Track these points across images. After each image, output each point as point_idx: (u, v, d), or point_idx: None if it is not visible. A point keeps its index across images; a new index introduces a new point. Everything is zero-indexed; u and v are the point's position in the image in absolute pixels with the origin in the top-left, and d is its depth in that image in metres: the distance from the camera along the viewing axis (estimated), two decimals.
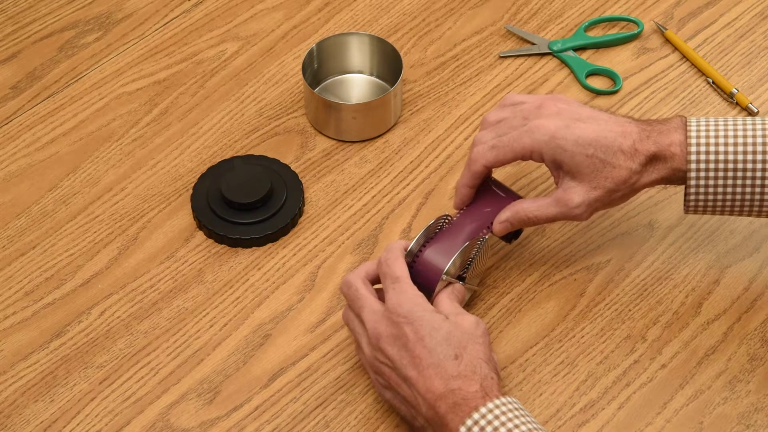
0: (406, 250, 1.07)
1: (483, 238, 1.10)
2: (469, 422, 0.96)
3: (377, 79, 1.32)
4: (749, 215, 1.08)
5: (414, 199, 1.23)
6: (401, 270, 1.04)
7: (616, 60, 1.35)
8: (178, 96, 1.32)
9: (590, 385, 1.09)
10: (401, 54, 1.30)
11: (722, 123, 1.06)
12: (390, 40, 1.34)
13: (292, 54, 1.35)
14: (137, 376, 1.11)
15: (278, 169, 1.23)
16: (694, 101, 1.30)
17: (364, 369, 1.10)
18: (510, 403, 0.97)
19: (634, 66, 1.34)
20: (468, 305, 1.14)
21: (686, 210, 1.08)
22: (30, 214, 1.22)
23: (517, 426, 0.95)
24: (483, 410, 0.96)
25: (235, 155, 1.26)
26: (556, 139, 1.07)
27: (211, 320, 1.14)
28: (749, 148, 1.04)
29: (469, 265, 1.09)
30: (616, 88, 1.31)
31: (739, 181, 1.05)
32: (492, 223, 1.11)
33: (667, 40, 1.36)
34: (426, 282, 1.07)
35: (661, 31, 1.37)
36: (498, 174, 1.24)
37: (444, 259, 1.07)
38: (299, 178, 1.23)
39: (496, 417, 0.96)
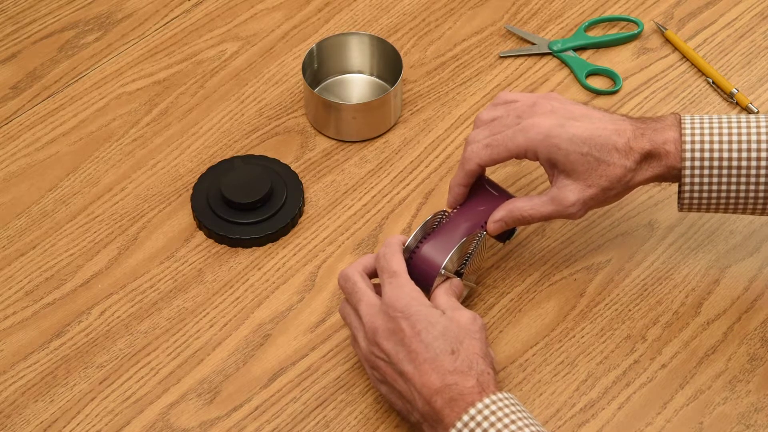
0: (404, 244, 1.07)
1: (481, 233, 1.10)
2: (465, 418, 0.96)
3: (377, 79, 1.32)
4: (743, 213, 1.08)
5: (414, 199, 1.23)
6: (398, 264, 1.04)
7: (616, 60, 1.35)
8: (178, 96, 1.32)
9: (590, 385, 1.09)
10: (401, 54, 1.30)
11: (716, 121, 1.06)
12: (390, 40, 1.34)
13: (292, 54, 1.35)
14: (137, 376, 1.11)
15: (278, 169, 1.23)
16: (694, 101, 1.30)
17: (364, 369, 1.10)
18: (506, 398, 0.97)
19: (634, 66, 1.34)
20: (467, 305, 1.14)
21: (680, 208, 1.08)
22: (30, 214, 1.22)
23: (513, 421, 0.95)
24: (479, 406, 0.96)
25: (235, 155, 1.26)
26: (550, 137, 1.07)
27: (211, 320, 1.14)
28: (743, 146, 1.04)
29: (466, 260, 1.09)
30: (616, 88, 1.31)
31: (733, 179, 1.05)
32: (486, 223, 1.11)
33: (667, 40, 1.36)
34: (423, 277, 1.07)
35: (661, 31, 1.37)
36: (497, 174, 1.24)
37: (441, 254, 1.07)
38: (299, 178, 1.23)
39: (493, 413, 0.96)
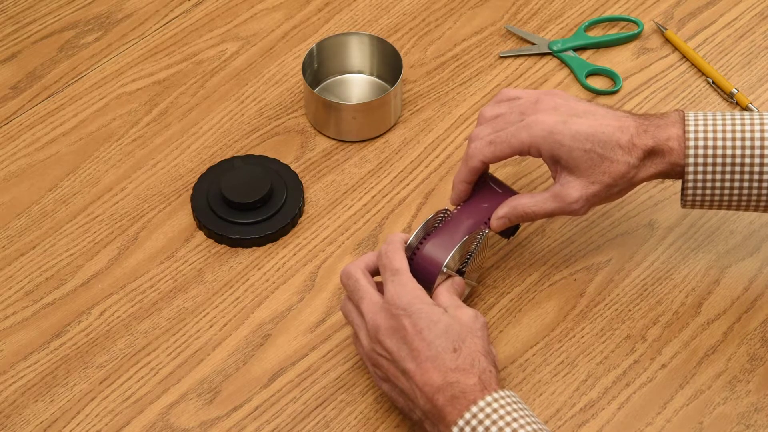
0: (406, 242, 1.07)
1: (483, 231, 1.10)
2: (467, 415, 0.96)
3: (377, 79, 1.32)
4: (746, 209, 1.08)
5: (414, 199, 1.23)
6: (401, 262, 1.04)
7: (616, 60, 1.35)
8: (178, 96, 1.32)
9: (590, 385, 1.09)
10: (401, 54, 1.30)
11: (720, 117, 1.06)
12: (390, 40, 1.34)
13: (292, 54, 1.35)
14: (137, 376, 1.11)
15: (278, 169, 1.23)
16: (694, 101, 1.30)
17: (364, 369, 1.10)
18: (508, 396, 0.97)
19: (634, 66, 1.34)
20: (468, 304, 1.13)
21: (683, 204, 1.08)
22: (30, 214, 1.22)
23: (515, 419, 0.95)
24: (481, 404, 0.96)
25: (235, 155, 1.26)
26: (553, 134, 1.06)
27: (211, 320, 1.14)
28: (747, 143, 1.04)
29: (468, 259, 1.09)
30: (616, 88, 1.31)
31: (737, 176, 1.05)
32: (489, 219, 1.11)
33: (667, 40, 1.36)
34: (425, 275, 1.07)
35: (661, 31, 1.37)
36: (498, 173, 1.24)
37: (444, 252, 1.07)
38: (299, 178, 1.23)
39: (495, 410, 0.96)
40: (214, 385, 1.10)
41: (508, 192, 1.13)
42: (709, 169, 1.05)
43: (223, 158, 1.26)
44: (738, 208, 1.08)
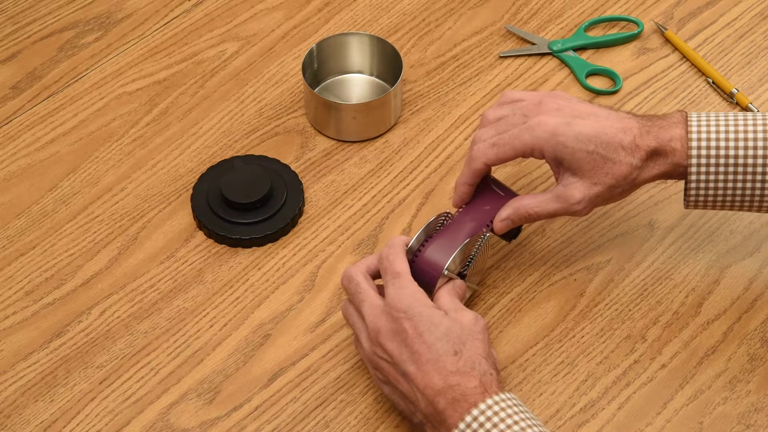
0: (407, 245, 1.07)
1: (484, 235, 1.10)
2: (468, 418, 0.96)
3: (377, 79, 1.32)
4: (749, 210, 1.08)
5: (414, 199, 1.23)
6: (401, 265, 1.04)
7: (616, 60, 1.35)
8: (178, 96, 1.32)
9: (590, 385, 1.09)
10: (401, 54, 1.30)
11: (723, 118, 1.06)
12: (390, 40, 1.34)
13: (292, 54, 1.35)
14: (137, 376, 1.11)
15: (278, 169, 1.23)
16: (694, 101, 1.30)
17: (364, 369, 1.10)
18: (509, 399, 0.97)
19: (634, 66, 1.34)
20: (468, 305, 1.14)
21: (686, 205, 1.08)
22: (30, 214, 1.22)
23: (516, 422, 0.95)
24: (482, 406, 0.96)
25: (235, 155, 1.26)
26: (556, 136, 1.07)
27: (211, 320, 1.14)
28: (750, 143, 1.04)
29: (469, 262, 1.09)
30: (616, 88, 1.31)
31: (740, 176, 1.05)
32: (491, 221, 1.11)
33: (667, 40, 1.36)
34: (426, 278, 1.07)
35: (661, 31, 1.37)
36: (498, 173, 1.24)
37: (445, 255, 1.07)
38: (299, 178, 1.23)
39: (495, 413, 0.96)
40: (214, 385, 1.10)
41: (510, 194, 1.13)
42: (712, 169, 1.05)
43: (223, 158, 1.26)
44: (741, 208, 1.08)
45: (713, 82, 1.31)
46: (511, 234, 1.14)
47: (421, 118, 1.30)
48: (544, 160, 1.10)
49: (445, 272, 1.07)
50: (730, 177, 1.05)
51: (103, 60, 1.35)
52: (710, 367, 1.10)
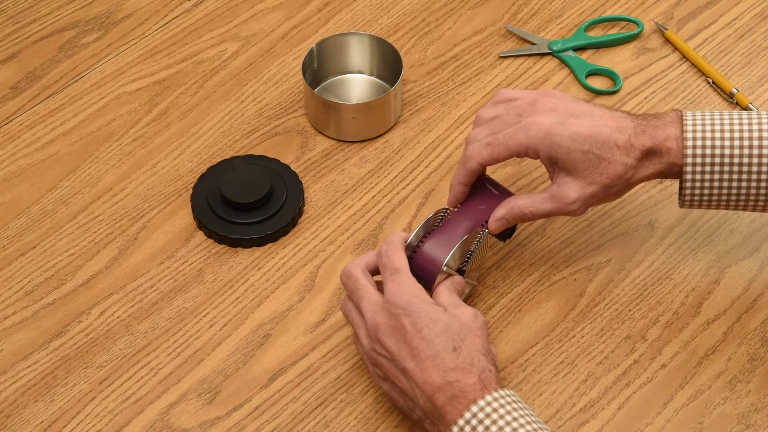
0: (406, 242, 1.07)
1: (483, 230, 1.10)
2: (467, 415, 0.96)
3: (377, 79, 1.32)
4: (745, 209, 1.08)
5: (414, 199, 1.23)
6: (400, 261, 1.04)
7: (616, 60, 1.35)
8: (178, 96, 1.32)
9: (590, 385, 1.09)
10: (401, 54, 1.30)
11: (718, 117, 1.06)
12: (390, 40, 1.34)
13: (292, 54, 1.35)
14: (137, 376, 1.11)
15: (278, 169, 1.23)
16: (694, 101, 1.30)
17: (364, 369, 1.10)
18: (508, 395, 0.97)
19: (634, 66, 1.34)
20: (468, 303, 1.13)
21: (681, 204, 1.08)
22: (30, 214, 1.22)
23: (515, 419, 0.95)
24: (481, 403, 0.96)
25: (235, 155, 1.26)
26: (551, 135, 1.06)
27: (211, 320, 1.14)
28: (745, 143, 1.04)
29: (468, 258, 1.10)
30: (616, 88, 1.31)
31: (735, 176, 1.05)
32: (487, 221, 1.11)
33: (667, 40, 1.36)
34: (425, 274, 1.07)
35: (661, 31, 1.37)
36: (497, 174, 1.24)
37: (443, 251, 1.07)
38: (299, 178, 1.23)
39: (495, 410, 0.96)
40: (214, 385, 1.10)
41: (505, 193, 1.13)
42: (708, 168, 1.05)
43: (223, 158, 1.26)
44: (736, 207, 1.08)
45: (713, 82, 1.31)
46: (506, 234, 1.14)
47: (421, 118, 1.30)
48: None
49: (444, 268, 1.07)
50: (726, 176, 1.05)
51: (103, 60, 1.35)
52: (710, 367, 1.10)
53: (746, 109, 1.29)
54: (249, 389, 1.10)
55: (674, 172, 1.07)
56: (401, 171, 1.25)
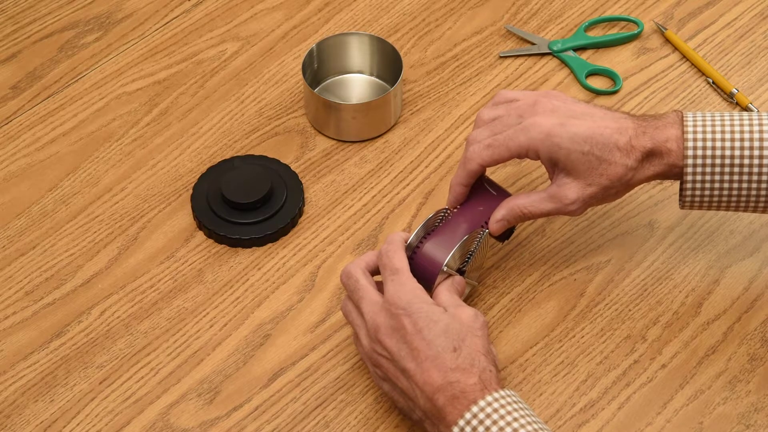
0: (406, 242, 1.07)
1: (483, 231, 1.10)
2: (467, 415, 0.96)
3: (377, 79, 1.32)
4: (745, 210, 1.08)
5: (414, 199, 1.23)
6: (401, 262, 1.04)
7: (616, 60, 1.35)
8: (178, 96, 1.32)
9: (590, 385, 1.09)
10: (401, 54, 1.30)
11: (719, 118, 1.06)
12: (390, 40, 1.34)
13: (292, 54, 1.35)
14: (137, 376, 1.11)
15: (278, 169, 1.23)
16: (694, 101, 1.30)
17: (364, 369, 1.10)
18: (509, 396, 0.97)
19: (634, 66, 1.34)
20: (467, 303, 1.13)
21: (682, 205, 1.08)
22: (30, 214, 1.22)
23: (516, 419, 0.95)
24: (482, 403, 0.96)
25: (235, 155, 1.26)
26: (551, 136, 1.06)
27: (211, 320, 1.14)
28: (746, 144, 1.04)
29: (468, 258, 1.10)
30: (616, 88, 1.31)
31: (735, 177, 1.05)
32: (487, 222, 1.11)
33: (667, 40, 1.36)
34: (426, 274, 1.07)
35: (661, 31, 1.37)
36: (496, 175, 1.24)
37: (444, 251, 1.07)
38: (299, 178, 1.23)
39: (495, 410, 0.96)
40: (214, 385, 1.10)
41: (504, 194, 1.13)
42: (708, 170, 1.05)
43: (223, 158, 1.26)
44: (737, 209, 1.08)
45: (713, 82, 1.31)
46: (505, 235, 1.14)
47: (421, 118, 1.30)
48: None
49: (445, 268, 1.07)
50: (726, 177, 1.05)
51: (103, 60, 1.35)
52: (710, 367, 1.10)
53: (746, 109, 1.29)
54: (249, 389, 1.10)
55: (675, 173, 1.07)
56: (401, 171, 1.25)
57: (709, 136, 1.05)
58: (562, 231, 1.20)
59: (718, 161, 1.05)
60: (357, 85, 1.32)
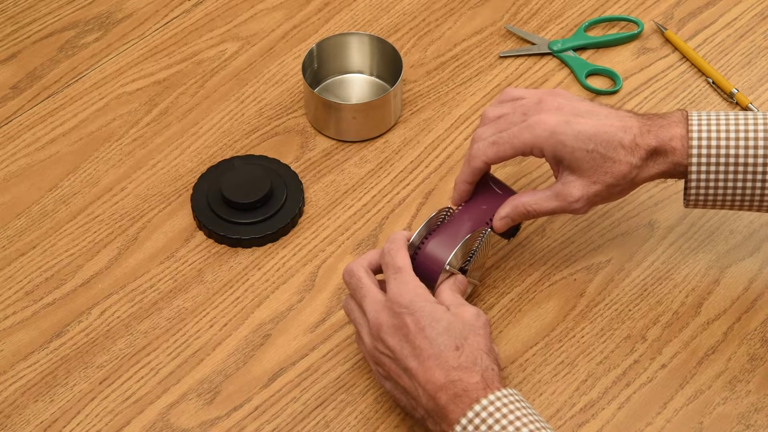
0: (408, 240, 1.07)
1: (485, 230, 1.10)
2: (470, 414, 0.96)
3: (377, 79, 1.32)
4: (749, 209, 1.08)
5: (414, 199, 1.23)
6: (403, 260, 1.04)
7: (616, 60, 1.35)
8: (178, 96, 1.32)
9: (590, 385, 1.09)
10: (401, 54, 1.30)
11: (723, 117, 1.06)
12: (390, 40, 1.34)
13: (292, 54, 1.35)
14: (137, 376, 1.11)
15: (278, 169, 1.23)
16: (694, 101, 1.30)
17: (364, 369, 1.10)
18: (511, 395, 0.97)
19: (634, 66, 1.34)
20: (469, 302, 1.13)
21: (686, 204, 1.08)
22: (30, 214, 1.22)
23: (518, 418, 0.95)
24: (484, 402, 0.96)
25: (235, 155, 1.26)
26: (556, 134, 1.06)
27: (211, 320, 1.14)
28: (750, 143, 1.04)
29: (471, 257, 1.10)
30: (616, 88, 1.31)
31: (740, 176, 1.05)
32: (491, 220, 1.11)
33: (667, 40, 1.36)
34: (428, 273, 1.07)
35: (661, 31, 1.37)
36: (499, 172, 1.24)
37: (446, 250, 1.07)
38: (299, 178, 1.23)
39: (497, 409, 0.96)
40: (214, 385, 1.10)
41: (509, 192, 1.13)
42: (713, 169, 1.05)
43: (223, 158, 1.26)
44: (741, 208, 1.08)
45: (713, 82, 1.31)
46: (510, 232, 1.14)
47: (421, 118, 1.30)
48: (544, 159, 1.10)
49: (447, 267, 1.07)
50: (731, 176, 1.05)
51: (103, 60, 1.35)
52: (710, 367, 1.10)
53: (746, 109, 1.29)
54: (249, 389, 1.10)
55: (679, 171, 1.07)
56: (401, 171, 1.25)
57: (714, 135, 1.05)
58: (562, 231, 1.20)
59: (722, 160, 1.05)
60: (357, 85, 1.32)
